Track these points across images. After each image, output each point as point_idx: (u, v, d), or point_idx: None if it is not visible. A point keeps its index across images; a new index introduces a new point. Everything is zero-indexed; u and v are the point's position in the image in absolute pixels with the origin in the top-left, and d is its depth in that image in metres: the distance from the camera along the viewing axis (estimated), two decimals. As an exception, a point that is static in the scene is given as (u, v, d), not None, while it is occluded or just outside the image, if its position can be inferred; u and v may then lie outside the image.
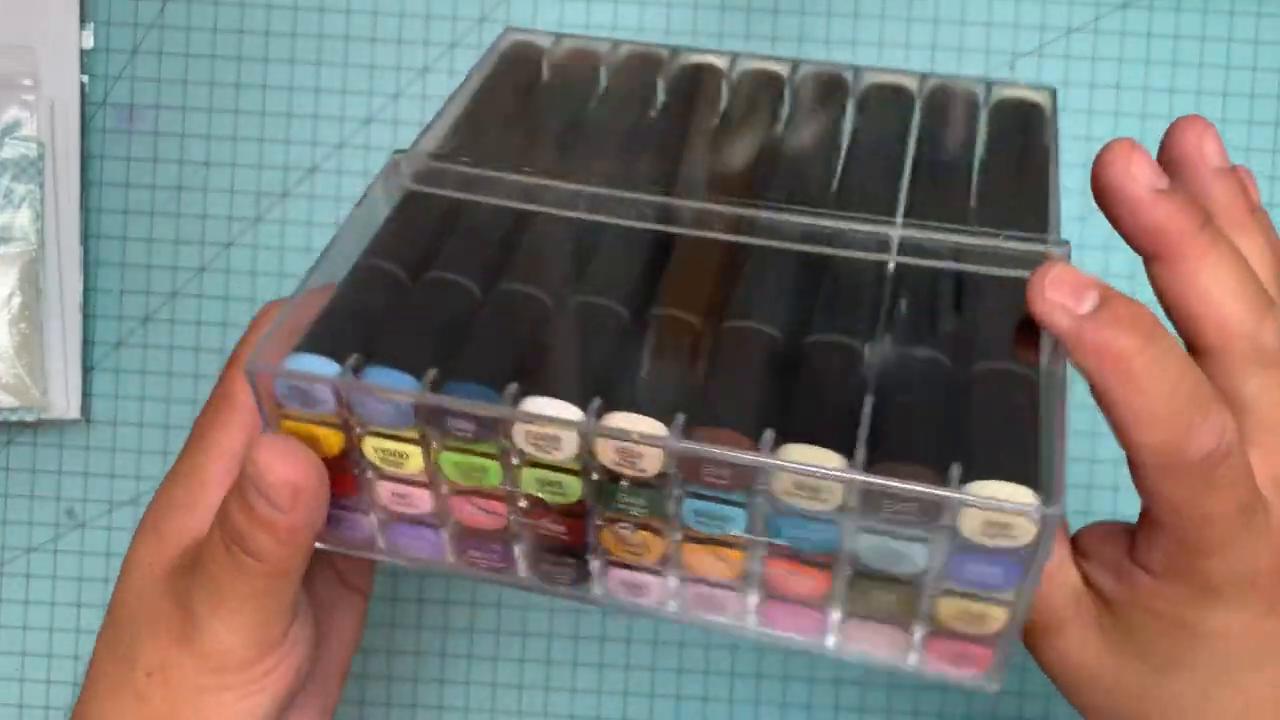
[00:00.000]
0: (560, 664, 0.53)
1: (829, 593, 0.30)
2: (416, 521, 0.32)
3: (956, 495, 0.27)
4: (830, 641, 0.31)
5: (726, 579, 0.31)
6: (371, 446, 0.31)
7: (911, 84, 0.38)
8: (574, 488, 0.30)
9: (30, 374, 0.51)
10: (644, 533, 0.30)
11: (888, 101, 0.38)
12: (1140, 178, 0.31)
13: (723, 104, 0.38)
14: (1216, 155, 0.33)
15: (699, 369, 0.30)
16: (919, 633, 0.31)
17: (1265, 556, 0.30)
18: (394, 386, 0.30)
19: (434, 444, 0.30)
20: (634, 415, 0.29)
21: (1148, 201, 0.31)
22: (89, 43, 0.52)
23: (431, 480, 0.31)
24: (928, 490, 0.27)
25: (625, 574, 0.32)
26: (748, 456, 0.28)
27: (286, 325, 0.31)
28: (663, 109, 0.38)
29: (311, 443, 0.31)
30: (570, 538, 0.31)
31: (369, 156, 0.52)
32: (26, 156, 0.50)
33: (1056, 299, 0.29)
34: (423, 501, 0.32)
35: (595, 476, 0.30)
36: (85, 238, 0.52)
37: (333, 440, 0.31)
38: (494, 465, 0.30)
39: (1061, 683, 0.36)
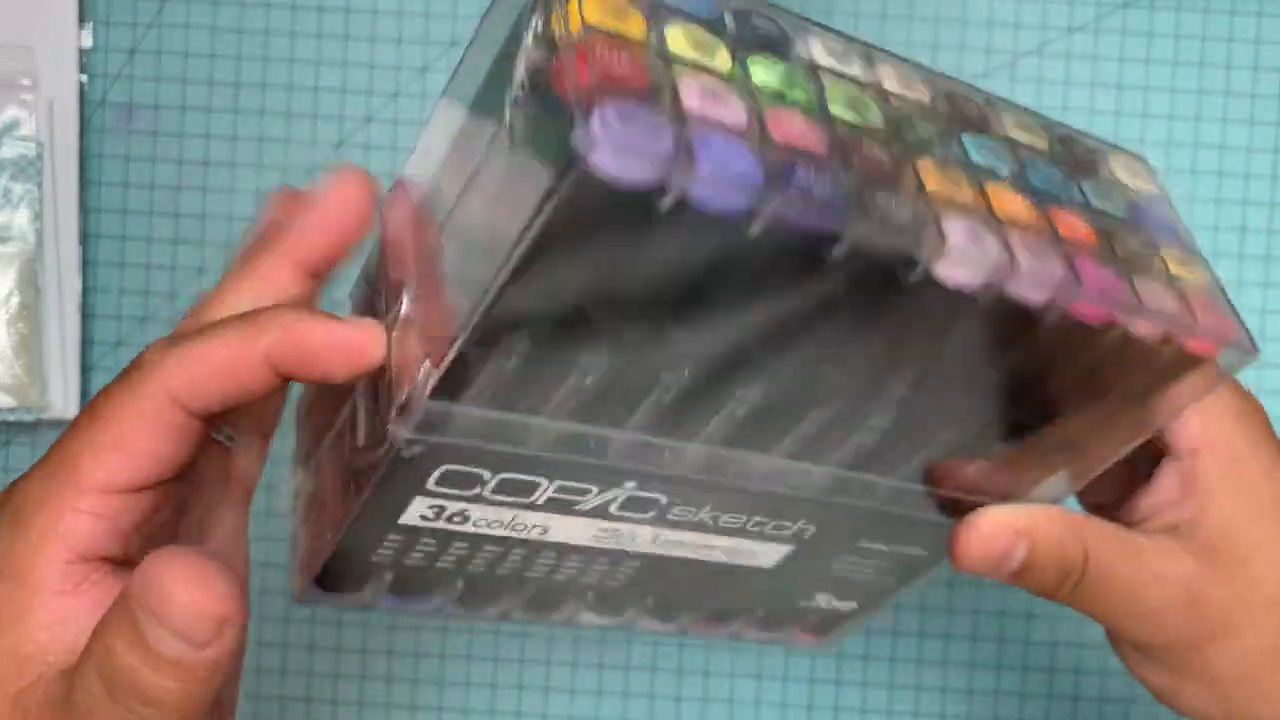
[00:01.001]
0: (560, 665, 0.53)
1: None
2: (729, 132, 0.25)
3: None
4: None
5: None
6: (678, 33, 0.26)
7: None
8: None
9: (29, 374, 0.51)
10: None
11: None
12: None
13: None
14: None
15: None
16: None
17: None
18: None
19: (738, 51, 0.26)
20: None
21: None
22: (88, 42, 0.52)
23: (740, 86, 0.26)
24: None
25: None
26: None
27: None
28: None
29: (617, 20, 0.24)
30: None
31: (369, 155, 0.52)
32: (25, 156, 0.50)
33: (984, 571, 0.35)
34: (734, 106, 0.25)
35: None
36: (84, 237, 0.52)
37: (635, 25, 0.25)
38: (800, 78, 0.27)
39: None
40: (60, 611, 0.26)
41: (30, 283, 0.51)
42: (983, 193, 0.29)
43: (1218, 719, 0.38)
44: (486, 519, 0.33)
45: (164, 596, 0.24)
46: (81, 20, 0.51)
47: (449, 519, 0.32)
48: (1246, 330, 0.31)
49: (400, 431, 0.28)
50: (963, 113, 0.31)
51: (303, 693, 0.53)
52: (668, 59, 0.25)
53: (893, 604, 0.42)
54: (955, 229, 0.27)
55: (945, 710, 0.53)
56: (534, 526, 0.33)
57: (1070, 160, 0.32)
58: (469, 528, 0.33)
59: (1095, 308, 0.28)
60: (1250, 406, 0.37)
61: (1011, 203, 0.29)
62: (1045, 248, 0.28)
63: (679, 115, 0.24)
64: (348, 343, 0.27)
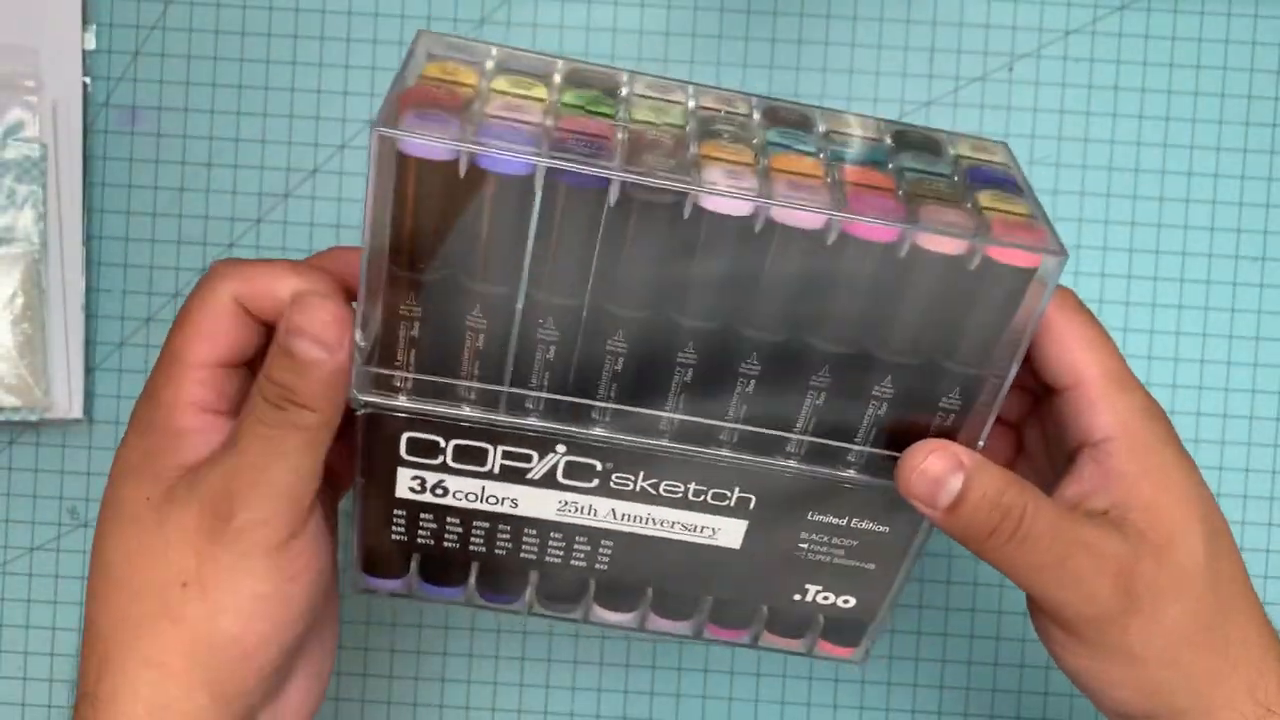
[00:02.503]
0: (561, 662, 0.54)
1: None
2: (521, 125, 0.35)
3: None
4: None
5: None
6: (503, 79, 0.36)
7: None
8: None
9: (33, 374, 0.51)
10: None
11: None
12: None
13: None
14: None
15: None
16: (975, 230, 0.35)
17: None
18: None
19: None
20: None
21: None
22: (91, 44, 0.52)
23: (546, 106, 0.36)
24: None
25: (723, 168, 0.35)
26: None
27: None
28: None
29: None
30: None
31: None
32: (29, 157, 0.51)
33: (918, 496, 0.37)
34: (533, 113, 0.35)
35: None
36: (88, 238, 0.52)
37: (466, 77, 0.36)
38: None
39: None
40: (201, 440, 0.36)
41: (34, 283, 0.51)
42: (759, 157, 0.36)
43: (1136, 708, 0.38)
44: (461, 490, 0.39)
45: (306, 316, 0.34)
46: (85, 22, 0.51)
47: (432, 490, 0.39)
48: (1055, 236, 0.35)
49: (354, 394, 0.37)
50: (779, 117, 0.39)
51: (305, 690, 0.53)
52: (487, 93, 0.36)
53: (891, 601, 0.42)
54: (714, 173, 0.34)
55: (943, 707, 0.54)
56: (505, 499, 0.40)
57: (902, 142, 0.39)
58: (450, 500, 0.39)
59: (875, 228, 0.34)
60: (1156, 409, 0.39)
61: (798, 163, 0.36)
62: (820, 188, 0.35)
63: (476, 118, 0.34)
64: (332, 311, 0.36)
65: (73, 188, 0.51)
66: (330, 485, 0.39)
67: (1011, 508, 0.36)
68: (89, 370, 0.53)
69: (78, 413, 0.52)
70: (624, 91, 0.38)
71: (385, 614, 0.53)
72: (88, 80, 0.52)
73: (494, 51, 0.38)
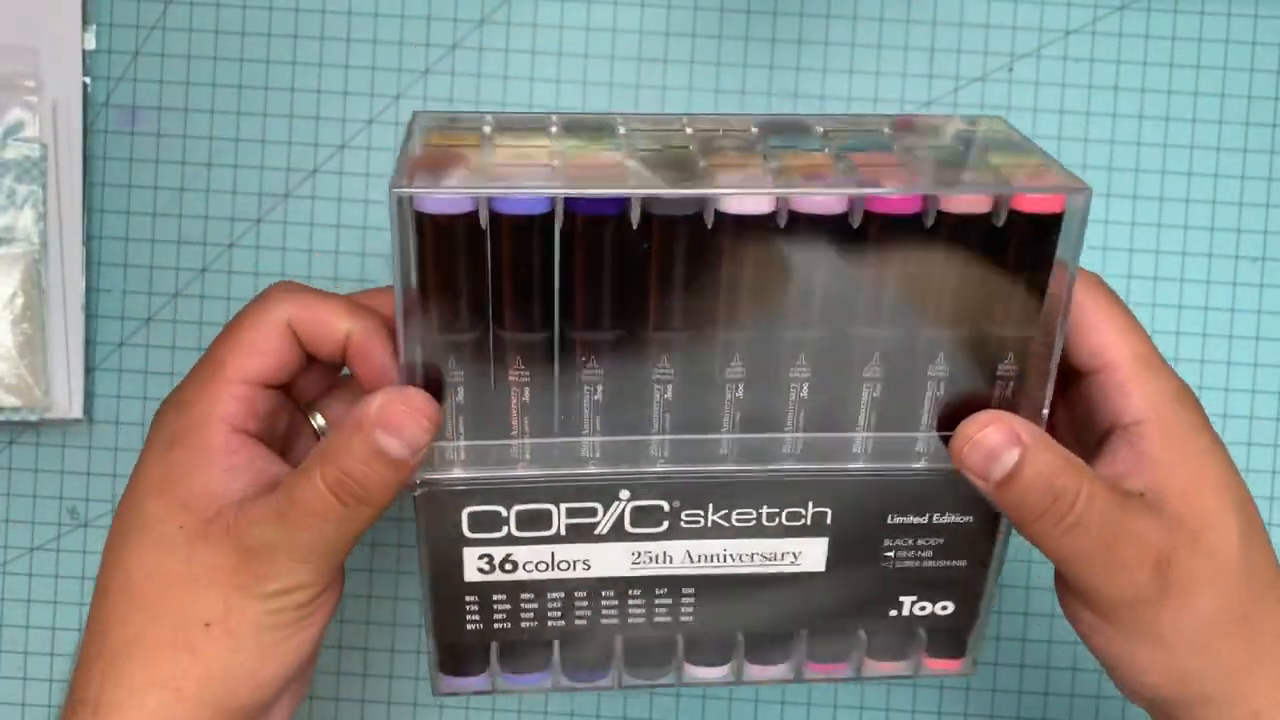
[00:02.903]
0: (561, 662, 0.54)
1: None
2: (532, 168, 0.35)
3: None
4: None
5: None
6: (506, 136, 0.37)
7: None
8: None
9: (33, 374, 0.51)
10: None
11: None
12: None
13: None
14: None
15: None
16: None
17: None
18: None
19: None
20: None
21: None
22: (91, 44, 0.52)
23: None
24: None
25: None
26: None
27: None
28: None
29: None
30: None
31: (371, 158, 0.52)
32: (29, 157, 0.51)
33: (971, 467, 0.36)
34: (539, 158, 0.35)
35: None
36: (88, 238, 0.52)
37: (469, 140, 0.37)
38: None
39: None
40: (227, 465, 0.36)
41: (35, 283, 0.51)
42: (768, 159, 0.36)
43: (1164, 693, 0.38)
44: (531, 560, 0.38)
45: (399, 415, 0.33)
46: (85, 22, 0.51)
47: (501, 567, 0.38)
48: (1070, 173, 0.35)
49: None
50: (777, 127, 0.39)
51: (305, 690, 0.53)
52: (493, 149, 0.36)
53: (989, 598, 0.41)
54: (729, 178, 0.34)
55: (942, 707, 0.54)
56: (576, 562, 0.38)
57: (904, 128, 0.39)
58: (521, 574, 0.38)
59: (899, 199, 0.34)
60: (1186, 391, 0.38)
61: (808, 158, 0.36)
62: (835, 174, 0.35)
63: (487, 170, 0.34)
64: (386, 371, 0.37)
65: (73, 188, 0.51)
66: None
67: (1065, 491, 0.35)
68: (89, 370, 0.53)
69: (78, 413, 0.52)
70: (622, 130, 0.38)
71: (387, 614, 0.53)
72: (88, 80, 0.52)
73: (489, 118, 0.38)
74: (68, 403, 0.52)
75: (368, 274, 0.52)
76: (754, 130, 0.38)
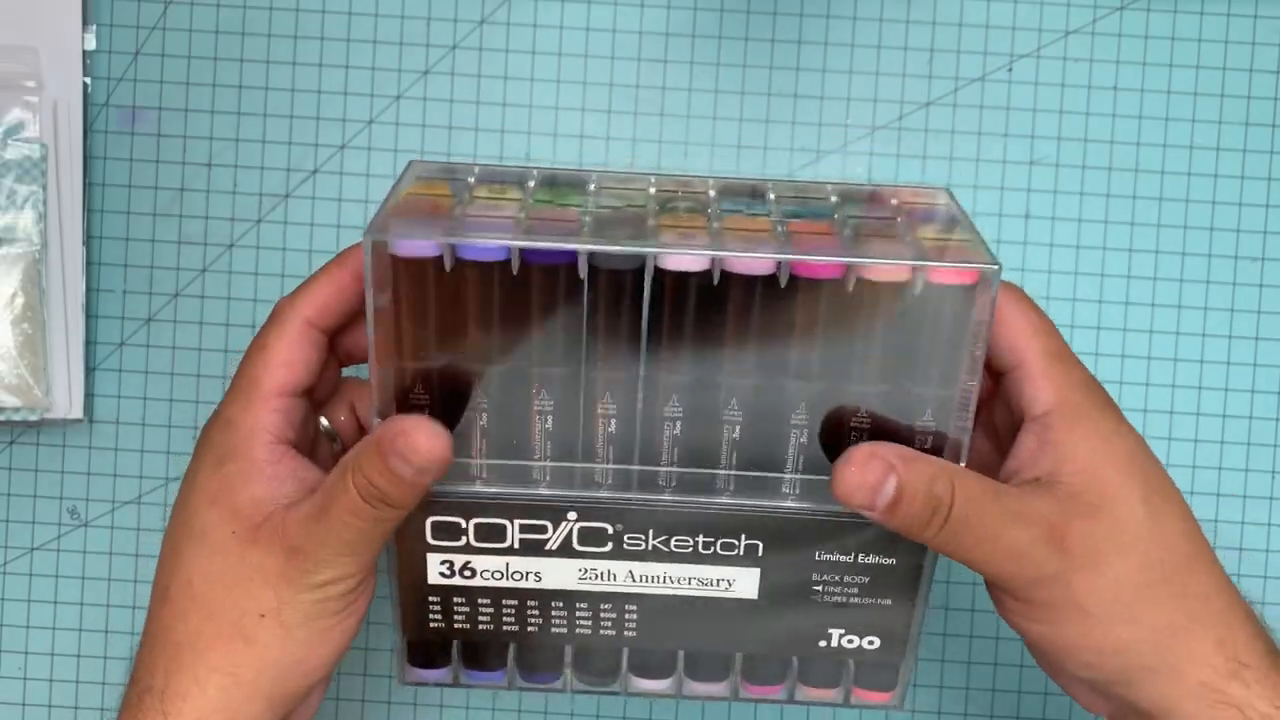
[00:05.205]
0: (560, 662, 0.54)
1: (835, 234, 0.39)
2: (496, 219, 0.39)
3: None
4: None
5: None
6: (482, 188, 0.41)
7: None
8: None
9: (33, 374, 0.51)
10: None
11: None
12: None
13: None
14: None
15: None
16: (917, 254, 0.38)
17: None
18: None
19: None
20: None
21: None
22: (91, 44, 0.52)
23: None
24: None
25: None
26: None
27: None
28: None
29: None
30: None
31: (371, 158, 0.52)
32: (30, 158, 0.51)
33: (861, 504, 0.38)
34: (507, 210, 0.39)
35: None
36: (88, 238, 0.52)
37: (441, 190, 0.40)
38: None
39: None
40: (273, 475, 0.39)
41: (35, 283, 0.51)
42: (712, 222, 0.39)
43: (1104, 670, 0.39)
44: (488, 569, 0.42)
45: (413, 449, 0.37)
46: (85, 23, 0.52)
47: (460, 573, 0.42)
48: (990, 252, 0.38)
49: None
50: (734, 191, 0.42)
51: (305, 690, 0.53)
52: (468, 199, 0.40)
53: (915, 638, 0.43)
54: (669, 237, 0.38)
55: (942, 707, 0.54)
56: (529, 573, 0.42)
57: (846, 197, 0.42)
58: (479, 581, 0.42)
59: (822, 265, 0.37)
60: (1095, 383, 0.40)
61: (749, 223, 0.39)
62: (768, 239, 0.38)
63: (457, 218, 0.38)
64: None
65: (73, 188, 0.51)
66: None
67: (941, 497, 0.37)
68: (89, 370, 0.53)
69: (78, 413, 0.52)
70: (592, 187, 0.41)
71: (387, 614, 0.53)
72: (88, 80, 0.52)
73: (476, 169, 0.42)
74: (68, 403, 0.52)
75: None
76: (711, 193, 0.42)
